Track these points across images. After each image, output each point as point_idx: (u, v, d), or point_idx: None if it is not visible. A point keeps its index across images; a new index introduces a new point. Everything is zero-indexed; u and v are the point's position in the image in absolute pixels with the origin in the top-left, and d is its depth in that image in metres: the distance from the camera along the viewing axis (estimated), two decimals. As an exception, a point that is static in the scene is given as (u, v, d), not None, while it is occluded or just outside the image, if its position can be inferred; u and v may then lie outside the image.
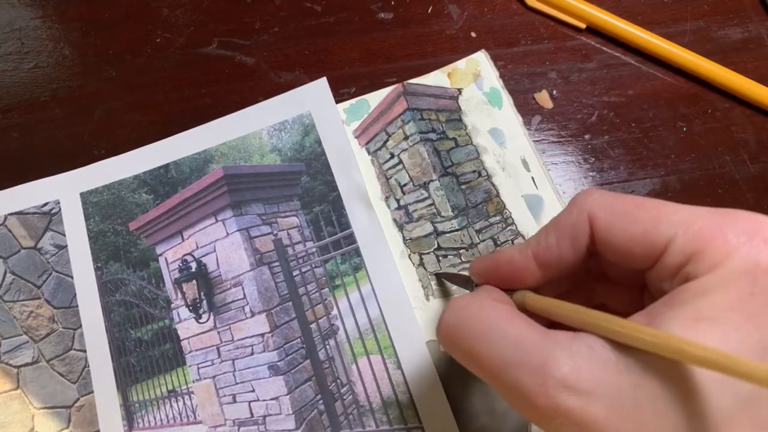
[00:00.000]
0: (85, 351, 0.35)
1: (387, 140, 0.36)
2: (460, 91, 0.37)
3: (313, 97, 0.37)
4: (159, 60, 0.40)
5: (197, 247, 0.36)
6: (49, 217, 0.37)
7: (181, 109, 0.39)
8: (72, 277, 0.36)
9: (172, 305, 0.35)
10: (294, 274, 0.35)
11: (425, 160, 0.36)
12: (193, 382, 0.34)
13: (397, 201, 0.35)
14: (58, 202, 0.37)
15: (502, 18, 0.40)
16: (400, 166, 0.36)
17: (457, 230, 0.34)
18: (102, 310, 0.35)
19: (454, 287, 0.33)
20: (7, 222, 0.37)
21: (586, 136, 0.36)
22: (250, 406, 0.33)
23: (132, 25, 0.42)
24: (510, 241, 0.34)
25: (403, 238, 0.35)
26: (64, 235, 0.37)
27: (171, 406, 0.34)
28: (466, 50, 0.38)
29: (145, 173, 0.38)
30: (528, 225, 0.34)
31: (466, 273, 0.33)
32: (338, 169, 0.36)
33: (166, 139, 0.38)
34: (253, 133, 0.37)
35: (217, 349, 0.34)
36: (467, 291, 0.29)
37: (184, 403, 0.34)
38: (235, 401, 0.33)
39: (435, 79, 0.38)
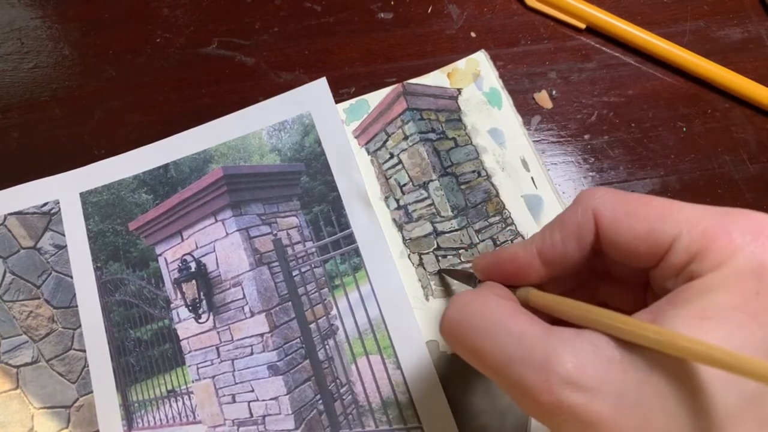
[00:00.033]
0: (84, 351, 0.35)
1: (387, 140, 0.36)
2: (459, 91, 0.37)
3: (312, 97, 0.37)
4: (159, 60, 0.40)
5: (197, 247, 0.36)
6: (48, 217, 0.37)
7: (181, 109, 0.39)
8: (71, 277, 0.36)
9: (172, 305, 0.35)
10: (293, 274, 0.35)
11: (425, 160, 0.36)
12: (193, 382, 0.34)
13: (397, 201, 0.35)
14: (58, 202, 0.37)
15: (501, 18, 0.40)
16: (400, 166, 0.36)
17: (456, 230, 0.34)
18: (102, 310, 0.35)
19: (455, 284, 0.33)
20: (6, 222, 0.37)
21: (586, 136, 0.36)
22: (249, 406, 0.33)
23: (132, 25, 0.42)
24: (509, 241, 0.34)
25: (403, 238, 0.34)
26: (64, 235, 0.37)
27: (170, 406, 0.34)
28: (465, 50, 0.38)
29: (145, 173, 0.38)
30: (527, 225, 0.34)
31: (469, 269, 0.33)
32: (338, 169, 0.36)
33: (166, 139, 0.38)
34: (252, 133, 0.37)
35: (217, 349, 0.34)
36: (470, 288, 0.29)
37: (184, 403, 0.34)
38: (234, 401, 0.33)
39: (435, 79, 0.38)
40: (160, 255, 0.36)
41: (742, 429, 0.14)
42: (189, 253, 0.36)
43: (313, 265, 0.35)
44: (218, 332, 0.34)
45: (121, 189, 0.37)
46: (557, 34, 0.39)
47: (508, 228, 0.34)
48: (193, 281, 0.35)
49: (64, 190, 0.38)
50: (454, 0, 0.40)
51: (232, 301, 0.34)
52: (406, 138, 0.36)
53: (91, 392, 0.34)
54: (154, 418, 0.34)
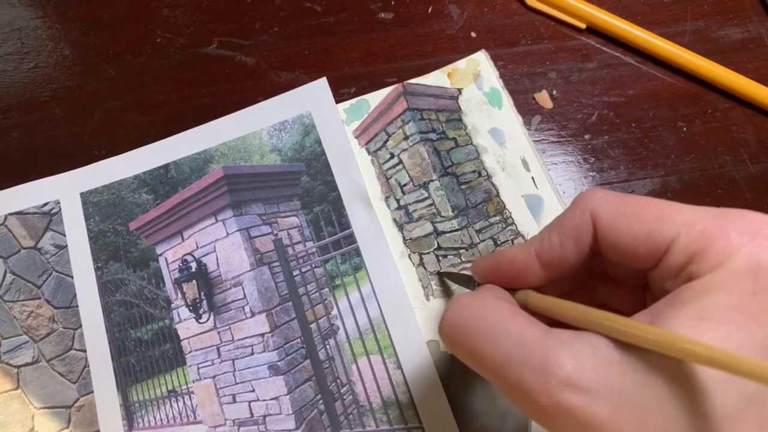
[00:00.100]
0: (85, 351, 0.35)
1: (387, 140, 0.36)
2: (460, 91, 0.37)
3: (313, 97, 0.37)
4: (159, 60, 0.40)
5: (197, 247, 0.36)
6: (49, 217, 0.37)
7: (181, 109, 0.39)
8: (72, 277, 0.36)
9: (172, 305, 0.35)
10: (294, 274, 0.35)
11: (425, 160, 0.36)
12: (193, 382, 0.34)
13: (397, 201, 0.35)
14: (58, 202, 0.37)
15: (502, 18, 0.40)
16: (400, 166, 0.36)
17: (457, 230, 0.34)
18: (102, 310, 0.35)
19: (455, 287, 0.33)
20: (7, 222, 0.37)
21: (586, 136, 0.36)
22: (250, 406, 0.33)
23: (132, 25, 0.42)
24: (510, 241, 0.34)
25: (403, 238, 0.35)
26: (64, 235, 0.37)
27: (171, 406, 0.34)
28: (466, 50, 0.38)
29: (145, 173, 0.38)
30: (528, 225, 0.34)
31: (467, 272, 0.33)
32: (338, 169, 0.36)
33: (166, 139, 0.38)
34: (253, 133, 0.37)
35: (217, 349, 0.34)
36: (469, 290, 0.29)
37: (184, 403, 0.34)
38: (235, 401, 0.33)
39: (435, 79, 0.38)
40: (161, 255, 0.36)
41: (741, 430, 0.14)
42: (189, 253, 0.36)
43: (313, 265, 0.35)
44: (219, 332, 0.34)
45: (122, 189, 0.37)
46: (557, 34, 0.39)
47: (508, 228, 0.34)
48: (194, 281, 0.35)
49: (65, 190, 0.38)
50: (454, 0, 0.40)
51: (233, 301, 0.34)
52: (406, 138, 0.36)
53: (92, 392, 0.34)
54: (155, 418, 0.34)
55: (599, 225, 0.19)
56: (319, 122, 0.37)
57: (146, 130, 0.39)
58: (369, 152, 0.37)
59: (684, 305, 0.15)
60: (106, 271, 0.36)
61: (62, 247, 0.37)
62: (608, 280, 0.22)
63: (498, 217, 0.34)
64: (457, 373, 0.31)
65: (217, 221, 0.36)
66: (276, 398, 0.32)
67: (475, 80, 0.37)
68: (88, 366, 0.34)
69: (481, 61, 0.38)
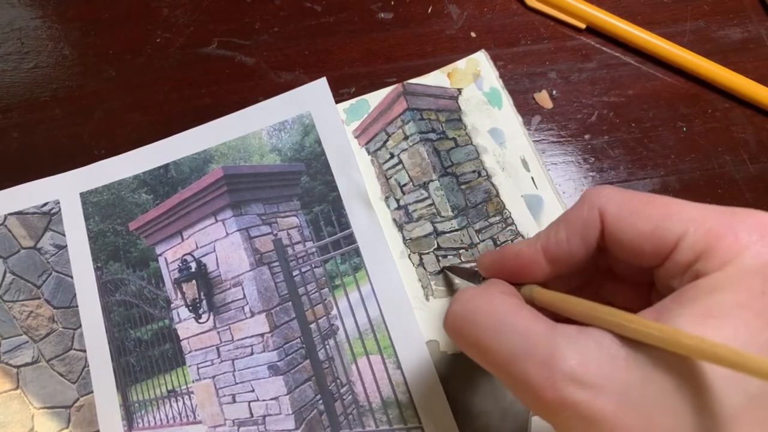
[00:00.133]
0: (84, 351, 0.35)
1: (387, 140, 0.36)
2: (459, 91, 0.37)
3: (313, 97, 0.37)
4: (159, 60, 0.40)
5: (197, 247, 0.36)
6: (48, 217, 0.37)
7: (181, 109, 0.39)
8: (72, 277, 0.36)
9: (172, 305, 0.35)
10: (294, 274, 0.35)
11: (425, 160, 0.36)
12: (193, 382, 0.34)
13: (397, 201, 0.35)
14: (58, 202, 0.37)
15: (502, 18, 0.40)
16: (400, 166, 0.36)
17: (456, 230, 0.34)
18: (102, 310, 0.35)
19: (457, 283, 0.33)
20: (7, 222, 0.37)
21: (586, 136, 0.36)
22: (249, 406, 0.33)
23: (132, 25, 0.42)
24: (510, 241, 0.34)
25: (403, 238, 0.34)
26: (64, 235, 0.37)
27: (171, 406, 0.34)
28: (466, 50, 0.38)
29: (145, 173, 0.38)
30: (528, 225, 0.34)
31: (473, 267, 0.33)
32: (338, 169, 0.36)
33: (165, 139, 0.38)
34: (253, 133, 0.37)
35: (217, 349, 0.34)
36: (473, 285, 0.29)
37: (184, 403, 0.34)
38: (234, 401, 0.33)
39: (435, 79, 0.38)
40: (161, 255, 0.36)
41: (745, 428, 0.14)
42: (189, 253, 0.36)
43: (313, 265, 0.35)
44: (218, 332, 0.34)
45: (122, 189, 0.37)
46: (557, 34, 0.39)
47: (508, 228, 0.34)
48: (194, 281, 0.35)
49: (65, 190, 0.38)
50: (454, 0, 0.40)
51: (233, 301, 0.34)
52: (406, 138, 0.36)
53: (92, 392, 0.34)
54: (155, 418, 0.34)
55: (606, 221, 0.19)
56: (318, 122, 0.37)
57: (146, 130, 0.39)
58: (369, 152, 0.36)
59: (691, 303, 0.15)
60: (105, 271, 0.36)
61: (62, 247, 0.37)
62: (614, 277, 0.22)
63: (498, 217, 0.34)
64: (456, 373, 0.31)
65: (216, 221, 0.36)
66: (276, 398, 0.32)
67: (474, 80, 0.37)
68: (88, 366, 0.34)
69: (481, 61, 0.38)
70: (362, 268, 0.34)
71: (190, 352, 0.35)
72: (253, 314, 0.34)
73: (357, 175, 0.36)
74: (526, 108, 0.37)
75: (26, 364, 0.35)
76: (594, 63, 0.38)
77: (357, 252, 0.34)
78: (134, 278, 0.36)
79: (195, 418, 0.34)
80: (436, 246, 0.34)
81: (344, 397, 0.32)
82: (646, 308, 0.16)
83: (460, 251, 0.34)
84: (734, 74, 0.36)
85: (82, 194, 0.38)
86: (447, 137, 0.36)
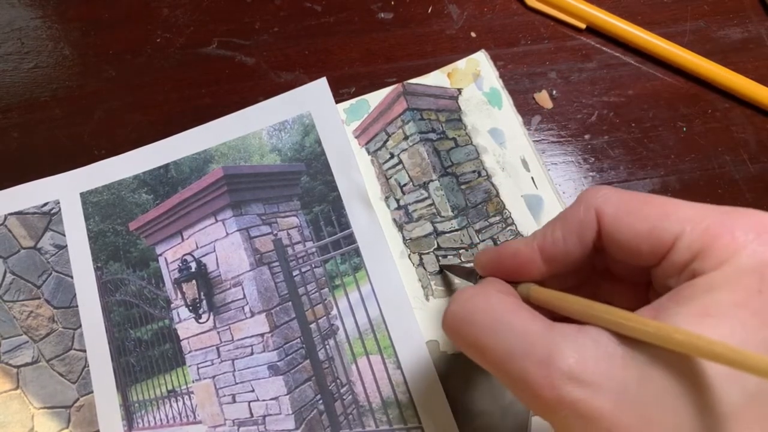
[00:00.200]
0: (84, 351, 0.35)
1: (387, 140, 0.36)
2: (460, 91, 0.37)
3: (313, 97, 0.37)
4: (159, 60, 0.40)
5: (197, 247, 0.36)
6: (49, 217, 0.37)
7: (181, 109, 0.39)
8: (72, 277, 0.36)
9: (172, 305, 0.35)
10: (294, 274, 0.35)
11: (425, 160, 0.36)
12: (193, 382, 0.34)
13: (397, 201, 0.35)
14: (58, 202, 0.37)
15: (502, 18, 0.40)
16: (400, 166, 0.36)
17: (456, 230, 0.34)
18: (102, 310, 0.35)
19: (456, 283, 0.33)
20: (7, 222, 0.37)
21: (586, 136, 0.36)
22: (249, 406, 0.33)
23: (132, 25, 0.42)
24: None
25: (403, 238, 0.34)
26: (64, 235, 0.37)
27: (171, 406, 0.34)
28: (466, 50, 0.38)
29: (145, 173, 0.38)
30: (528, 225, 0.34)
31: (470, 265, 0.33)
32: (338, 169, 0.36)
33: (165, 139, 0.38)
34: (253, 133, 0.37)
35: (217, 349, 0.34)
36: (471, 284, 0.29)
37: (184, 403, 0.34)
38: (234, 401, 0.33)
39: (435, 79, 0.38)
40: (161, 255, 0.36)
41: (743, 426, 0.14)
42: (189, 253, 0.36)
43: (313, 265, 0.35)
44: (218, 332, 0.34)
45: (122, 189, 0.37)
46: (557, 34, 0.39)
47: (508, 228, 0.34)
48: (194, 281, 0.35)
49: (65, 190, 0.38)
50: (454, 0, 0.40)
51: (233, 301, 0.34)
52: (406, 138, 0.36)
53: (92, 392, 0.34)
54: (155, 418, 0.34)
55: (603, 221, 0.19)
56: (319, 122, 0.37)
57: (146, 130, 0.39)
58: (369, 152, 0.37)
59: (687, 302, 0.15)
60: (105, 271, 0.36)
61: (62, 247, 0.37)
62: (611, 277, 0.22)
63: (498, 217, 0.34)
64: (456, 373, 0.31)
65: (216, 221, 0.36)
66: (276, 398, 0.32)
67: (474, 80, 0.37)
68: (88, 366, 0.34)
69: (481, 61, 0.38)
70: (362, 268, 0.34)
71: (190, 352, 0.35)
72: (253, 314, 0.34)
73: (357, 175, 0.36)
74: (526, 108, 0.37)
75: (26, 364, 0.35)
76: (594, 63, 0.38)
77: (357, 252, 0.34)
78: (134, 278, 0.36)
79: (195, 418, 0.34)
80: (436, 246, 0.34)
81: (344, 397, 0.32)
82: (644, 307, 0.16)
83: (460, 251, 0.34)
84: (734, 74, 0.36)
85: (82, 194, 0.38)
86: (447, 137, 0.36)
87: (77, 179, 0.38)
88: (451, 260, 0.34)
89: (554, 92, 0.37)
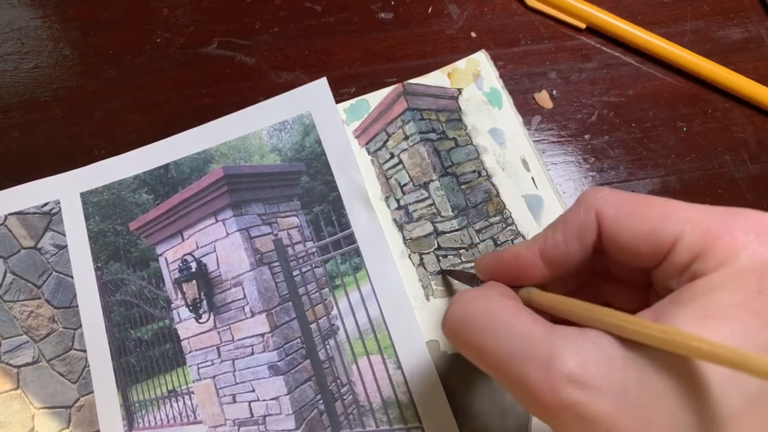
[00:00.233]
0: (85, 351, 0.35)
1: (387, 140, 0.36)
2: (460, 91, 0.37)
3: (313, 97, 0.37)
4: (159, 60, 0.40)
5: (197, 247, 0.36)
6: (49, 217, 0.37)
7: (181, 109, 0.39)
8: (72, 277, 0.36)
9: (172, 305, 0.35)
10: (294, 274, 0.35)
11: (425, 160, 0.36)
12: (193, 382, 0.34)
13: (397, 201, 0.35)
14: (58, 202, 0.37)
15: (502, 18, 0.40)
16: (400, 166, 0.36)
17: (457, 230, 0.34)
18: (102, 310, 0.35)
19: (457, 284, 0.33)
20: (7, 222, 0.37)
21: (586, 136, 0.36)
22: (250, 406, 0.33)
23: (132, 25, 0.42)
24: (510, 241, 0.34)
25: (403, 238, 0.35)
26: (64, 235, 0.37)
27: (171, 406, 0.34)
28: (466, 50, 0.38)
29: (145, 173, 0.38)
30: (528, 225, 0.34)
31: (471, 270, 0.33)
32: (338, 169, 0.36)
33: (166, 139, 0.38)
34: (253, 133, 0.37)
35: (217, 349, 0.34)
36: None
37: (184, 403, 0.34)
38: (235, 401, 0.33)
39: (435, 79, 0.38)
40: (161, 255, 0.36)
41: (744, 428, 0.14)
42: (189, 253, 0.36)
43: (313, 265, 0.35)
44: (219, 332, 0.34)
45: (122, 189, 0.37)
46: (557, 34, 0.39)
47: (508, 228, 0.34)
48: (194, 281, 0.35)
49: (65, 190, 0.38)
50: (454, 0, 0.40)
51: (233, 301, 0.34)
52: (406, 138, 0.36)
53: (92, 392, 0.34)
54: (155, 418, 0.34)
55: (603, 223, 0.19)
56: (319, 122, 0.37)
57: (146, 130, 0.39)
58: (369, 152, 0.37)
59: (688, 303, 0.15)
60: (106, 271, 0.36)
61: (62, 247, 0.37)
62: (612, 278, 0.22)
63: (498, 217, 0.34)
64: (457, 373, 0.31)
65: (217, 221, 0.36)
66: (276, 398, 0.32)
67: (475, 80, 0.37)
68: (88, 366, 0.34)
69: (481, 61, 0.38)
70: (362, 268, 0.34)
71: (190, 352, 0.35)
72: (253, 314, 0.34)
73: (357, 175, 0.36)
74: (526, 108, 0.37)
75: (27, 364, 0.35)
76: (594, 63, 0.38)
77: (357, 252, 0.34)
78: (134, 278, 0.36)
79: (195, 418, 0.34)
80: (436, 246, 0.34)
81: (344, 397, 0.32)
82: (644, 309, 0.16)
83: (461, 251, 0.34)
84: (734, 74, 0.36)
85: (82, 194, 0.38)
86: (447, 137, 0.36)
87: (77, 179, 0.38)
88: (452, 260, 0.34)
89: (554, 92, 0.37)
